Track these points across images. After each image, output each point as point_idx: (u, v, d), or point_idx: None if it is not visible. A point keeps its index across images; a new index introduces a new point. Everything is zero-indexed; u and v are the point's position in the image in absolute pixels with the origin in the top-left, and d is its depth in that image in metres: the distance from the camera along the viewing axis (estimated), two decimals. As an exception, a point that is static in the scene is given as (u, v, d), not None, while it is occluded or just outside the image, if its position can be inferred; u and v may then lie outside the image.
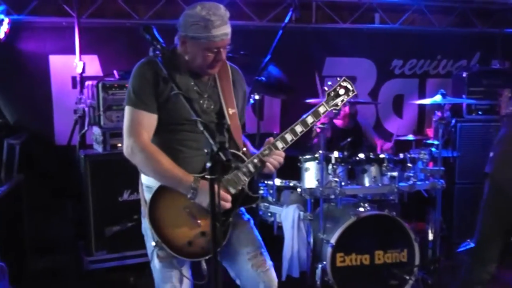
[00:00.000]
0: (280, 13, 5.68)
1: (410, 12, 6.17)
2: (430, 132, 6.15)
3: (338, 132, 5.15)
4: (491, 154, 3.93)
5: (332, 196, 4.31)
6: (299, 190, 4.42)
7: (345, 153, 4.40)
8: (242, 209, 2.93)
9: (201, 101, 2.77)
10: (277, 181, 4.57)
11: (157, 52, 2.58)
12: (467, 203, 5.52)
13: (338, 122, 5.30)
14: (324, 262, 4.24)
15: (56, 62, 5.32)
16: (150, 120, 2.69)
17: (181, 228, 2.67)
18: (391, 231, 4.37)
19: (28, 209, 4.99)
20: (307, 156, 4.40)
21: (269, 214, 4.60)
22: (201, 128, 2.23)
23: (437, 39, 6.29)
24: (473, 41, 6.45)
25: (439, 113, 5.47)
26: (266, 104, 5.82)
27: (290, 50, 5.62)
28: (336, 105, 2.87)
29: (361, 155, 4.45)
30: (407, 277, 4.34)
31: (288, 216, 4.36)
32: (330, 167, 4.31)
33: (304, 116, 2.82)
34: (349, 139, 4.57)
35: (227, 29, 2.64)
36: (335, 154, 4.33)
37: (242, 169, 2.73)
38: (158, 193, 2.69)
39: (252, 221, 2.97)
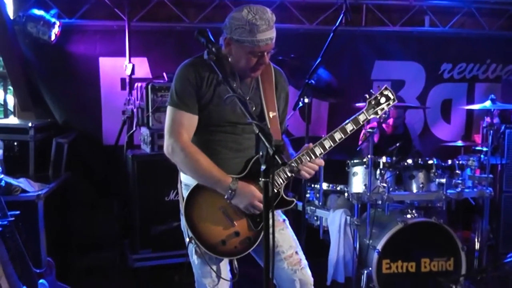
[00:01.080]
0: (330, 16, 5.72)
1: (460, 15, 6.11)
2: (478, 138, 6.08)
3: (385, 137, 5.13)
4: None
5: (379, 202, 4.29)
6: (346, 194, 4.43)
7: (393, 158, 4.39)
8: (278, 210, 2.98)
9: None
10: (324, 185, 4.59)
11: (211, 55, 2.64)
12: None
13: (386, 126, 5.28)
14: (370, 268, 4.24)
15: (106, 64, 5.46)
16: (190, 121, 2.76)
17: (215, 227, 2.75)
18: (438, 239, 4.34)
19: (74, 206, 5.14)
20: (355, 161, 4.41)
21: (315, 218, 4.61)
22: (256, 131, 2.26)
23: (487, 42, 6.22)
24: (525, 45, 6.34)
25: (488, 119, 5.41)
26: (314, 107, 5.79)
27: (339, 53, 5.66)
28: (376, 113, 2.88)
29: (409, 161, 4.44)
30: (453, 287, 4.30)
31: (334, 221, 4.37)
32: (378, 172, 4.31)
33: (344, 123, 2.84)
34: (398, 144, 4.55)
35: (272, 34, 2.67)
36: (383, 159, 4.33)
37: (279, 173, 2.77)
38: (195, 191, 2.78)
39: (287, 221, 3.01)
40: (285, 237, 2.94)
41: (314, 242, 4.54)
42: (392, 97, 2.87)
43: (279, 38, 5.26)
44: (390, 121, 5.23)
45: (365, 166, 4.35)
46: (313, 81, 4.23)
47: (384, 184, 4.26)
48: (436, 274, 4.33)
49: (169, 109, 2.81)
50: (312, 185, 4.66)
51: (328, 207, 4.60)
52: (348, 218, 4.35)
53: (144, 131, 5.03)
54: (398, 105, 5.09)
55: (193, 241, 2.76)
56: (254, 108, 2.83)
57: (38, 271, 3.53)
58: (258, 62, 2.70)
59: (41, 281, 3.33)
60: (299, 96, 4.10)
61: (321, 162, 2.82)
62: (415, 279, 4.30)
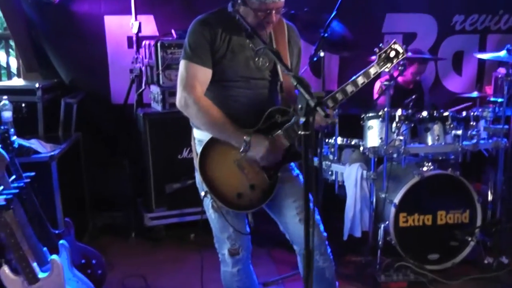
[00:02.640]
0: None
1: (473, -37, 5.97)
2: (489, 89, 6.01)
3: (400, 90, 5.07)
4: None
5: (395, 155, 4.27)
6: (361, 148, 4.40)
7: (409, 111, 4.34)
8: (292, 164, 3.00)
9: (256, 59, 2.82)
10: (339, 140, 4.55)
11: (237, 7, 2.66)
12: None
13: (400, 79, 5.22)
14: (387, 222, 4.25)
15: (112, 22, 5.35)
16: (204, 75, 2.77)
17: (230, 181, 2.78)
18: (454, 192, 4.35)
19: (86, 166, 5.13)
20: (371, 114, 4.35)
21: (330, 172, 4.59)
22: (294, 83, 2.21)
23: (500, -8, 6.09)
24: (538, -6, 6.21)
25: (501, 70, 5.35)
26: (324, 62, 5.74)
27: (350, 6, 5.48)
28: (387, 67, 2.88)
29: (425, 113, 4.39)
30: (468, 239, 4.33)
31: (351, 175, 4.35)
32: (393, 125, 4.26)
33: (355, 76, 2.83)
34: (413, 96, 4.50)
35: None
36: (399, 112, 4.28)
37: (293, 125, 2.75)
38: (209, 146, 2.79)
39: (301, 176, 3.00)
40: (297, 190, 2.93)
41: (330, 197, 4.54)
42: (401, 51, 2.87)
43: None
44: (408, 73, 5.16)
45: (380, 119, 4.29)
46: (327, 35, 4.17)
47: (401, 137, 4.22)
48: (452, 226, 4.34)
49: (182, 63, 2.80)
50: (327, 140, 4.62)
51: (343, 161, 4.58)
52: (365, 172, 4.33)
53: (155, 89, 4.97)
54: (419, 57, 5.09)
55: (208, 195, 2.79)
56: (267, 64, 2.84)
57: (56, 231, 3.52)
58: (265, 20, 2.70)
59: (61, 241, 3.32)
60: (315, 50, 4.04)
61: (331, 114, 2.79)
62: (431, 232, 4.31)
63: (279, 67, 2.85)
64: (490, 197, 4.81)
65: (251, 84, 2.83)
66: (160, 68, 4.70)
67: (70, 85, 5.38)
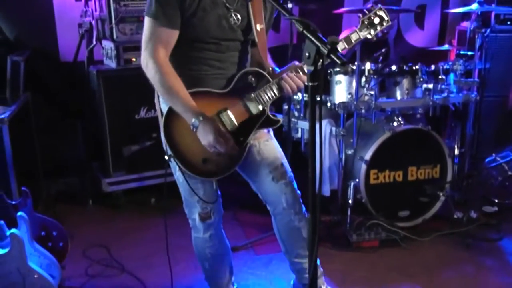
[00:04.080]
0: None
1: None
2: (454, 42, 5.95)
3: (367, 44, 4.93)
4: None
5: (364, 111, 4.15)
6: (329, 104, 4.26)
7: (379, 64, 4.22)
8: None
9: (229, 16, 2.63)
10: (305, 96, 4.39)
11: None
12: (493, 117, 5.43)
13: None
14: (357, 180, 4.16)
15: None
16: (170, 36, 2.56)
17: (196, 145, 2.57)
18: (425, 147, 4.29)
19: (36, 129, 4.84)
20: (338, 69, 4.21)
21: (296, 130, 4.45)
22: (300, 29, 1.99)
23: None
24: None
25: (465, 24, 5.28)
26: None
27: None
28: (370, 33, 2.75)
29: (394, 67, 4.28)
30: (440, 194, 4.30)
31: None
32: (363, 79, 4.14)
33: (338, 39, 2.66)
34: (383, 50, 4.38)
35: None
36: (368, 65, 4.16)
37: (265, 90, 2.64)
38: None
39: (272, 132, 2.90)
40: (270, 147, 2.84)
41: (296, 155, 4.40)
42: (386, 18, 2.74)
43: None
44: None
45: (349, 74, 4.17)
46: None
47: (371, 92, 4.10)
48: (422, 182, 4.30)
49: (147, 20, 2.57)
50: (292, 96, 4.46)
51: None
52: (333, 128, 4.21)
53: (107, 44, 4.69)
54: (393, 9, 4.93)
55: (172, 160, 2.62)
56: (240, 21, 2.65)
57: (13, 202, 3.28)
58: None
59: (19, 213, 3.09)
60: (283, 1, 3.86)
61: (305, 79, 2.65)
62: (402, 188, 4.26)
63: (252, 23, 2.66)
64: (456, 151, 4.78)
65: (222, 47, 2.65)
66: (113, 21, 4.41)
67: (15, 42, 5.00)
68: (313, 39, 1.87)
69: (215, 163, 2.66)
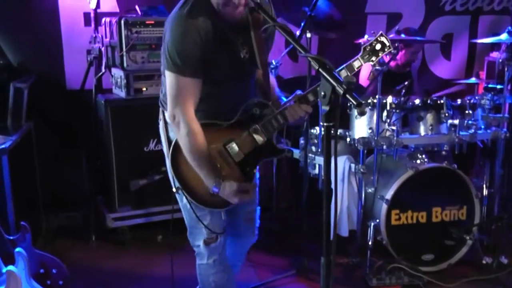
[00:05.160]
0: None
1: None
2: (482, 75, 6.02)
3: (390, 76, 5.01)
4: None
5: (385, 147, 4.19)
6: (348, 139, 4.33)
7: (401, 98, 4.29)
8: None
9: (240, 52, 2.79)
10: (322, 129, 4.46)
11: None
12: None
13: (392, 64, 5.17)
14: (377, 220, 4.20)
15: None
16: (197, 86, 2.72)
17: None
18: (450, 186, 4.32)
19: (39, 160, 4.94)
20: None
21: (313, 166, 4.50)
22: (316, 67, 2.09)
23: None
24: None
25: (495, 54, 5.34)
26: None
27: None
28: (371, 60, 2.86)
29: (417, 101, 4.34)
30: (466, 237, 4.31)
31: (337, 168, 4.26)
32: (384, 114, 4.21)
33: (338, 69, 2.78)
34: (406, 83, 4.44)
35: None
36: (390, 99, 4.22)
37: (270, 120, 2.80)
38: None
39: (258, 175, 3.07)
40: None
41: (313, 193, 4.45)
42: (387, 44, 2.84)
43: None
44: (401, 57, 5.12)
45: (370, 107, 4.24)
46: (313, 13, 4.10)
47: (393, 127, 4.16)
48: (447, 224, 4.32)
49: (172, 76, 2.69)
50: (309, 130, 4.54)
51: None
52: (353, 165, 4.26)
53: (117, 72, 4.81)
54: (417, 40, 5.06)
55: (180, 192, 2.80)
56: (247, 54, 2.80)
57: (11, 237, 3.34)
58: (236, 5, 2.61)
59: (17, 249, 3.16)
60: (301, 31, 3.97)
61: (309, 109, 2.80)
62: (426, 230, 4.29)
63: (256, 54, 2.79)
64: (485, 192, 4.79)
65: (232, 81, 2.83)
66: (124, 49, 4.53)
67: (19, 68, 5.14)
68: (329, 78, 1.97)
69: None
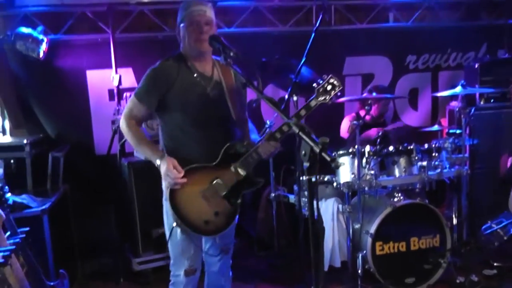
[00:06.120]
0: (301, 18, 5.69)
1: (421, 9, 6.08)
2: (444, 122, 6.08)
3: (366, 127, 5.09)
4: None
5: (367, 188, 4.25)
6: (335, 184, 4.36)
7: (377, 146, 4.35)
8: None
9: (207, 93, 2.94)
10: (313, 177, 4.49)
11: (229, 59, 2.73)
12: (485, 187, 5.48)
13: (367, 117, 5.24)
14: (364, 251, 4.20)
15: (93, 76, 5.27)
16: (139, 110, 2.98)
17: (198, 210, 2.91)
18: (424, 218, 4.34)
19: (75, 216, 4.96)
20: (341, 152, 4.35)
21: (306, 208, 4.52)
22: (296, 131, 2.18)
23: (447, 33, 6.18)
24: (480, 33, 6.35)
25: (454, 103, 5.42)
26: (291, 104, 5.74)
27: (312, 52, 5.57)
28: (325, 99, 2.92)
29: (391, 148, 4.40)
30: (441, 261, 4.31)
31: (327, 209, 4.32)
32: (364, 160, 4.26)
33: (298, 110, 2.92)
34: (380, 133, 4.51)
35: (204, 8, 2.91)
36: (368, 148, 4.28)
37: (247, 157, 2.91)
38: None
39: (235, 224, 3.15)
40: (229, 231, 3.10)
41: (308, 231, 4.45)
42: (337, 84, 2.93)
43: (258, 41, 5.19)
44: (373, 110, 5.20)
45: (351, 156, 4.29)
46: (297, 79, 4.18)
47: (372, 171, 4.21)
48: (424, 251, 4.33)
49: (132, 96, 3.02)
50: (301, 178, 4.57)
51: (318, 197, 4.51)
52: (340, 206, 4.29)
53: (137, 139, 4.86)
54: (387, 97, 5.20)
55: (179, 226, 2.91)
56: (218, 99, 2.96)
57: (51, 283, 3.36)
58: (198, 32, 2.88)
59: (57, 294, 3.17)
60: (289, 95, 4.04)
61: (277, 145, 2.90)
62: (406, 257, 4.29)
63: (228, 99, 2.96)
64: (454, 221, 4.80)
65: (207, 122, 2.95)
66: (142, 118, 4.60)
67: (56, 139, 5.24)
68: (307, 140, 2.07)
69: (215, 223, 2.94)
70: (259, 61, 4.69)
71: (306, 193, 4.42)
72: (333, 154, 4.36)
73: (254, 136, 3.17)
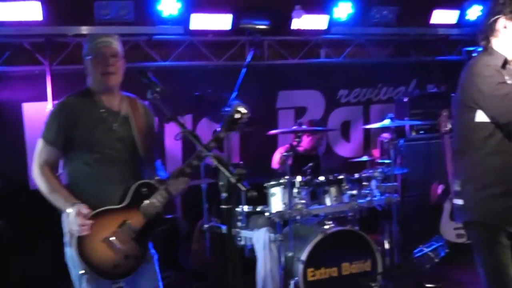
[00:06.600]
0: (235, 53, 5.84)
1: (352, 46, 6.35)
2: (376, 152, 6.31)
3: (299, 158, 5.23)
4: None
5: (299, 217, 4.35)
6: (267, 214, 4.45)
7: (308, 177, 4.48)
8: (150, 244, 2.96)
9: (114, 129, 2.84)
10: (245, 208, 4.58)
11: (155, 94, 2.69)
12: (417, 213, 5.72)
13: (301, 149, 5.40)
14: (296, 278, 4.26)
15: (29, 109, 5.20)
16: (49, 153, 2.81)
17: (107, 254, 2.72)
18: (355, 244, 4.46)
19: (10, 253, 4.83)
20: (273, 182, 4.44)
21: (239, 238, 4.58)
22: (215, 162, 2.26)
23: (377, 69, 6.49)
24: (410, 69, 6.70)
25: (385, 135, 5.66)
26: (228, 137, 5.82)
27: (245, 86, 5.70)
28: (233, 128, 2.88)
29: (322, 178, 4.54)
30: (372, 285, 4.42)
31: (259, 239, 4.37)
32: (295, 190, 4.37)
33: (207, 143, 2.81)
34: (311, 164, 4.66)
35: (110, 39, 2.82)
36: (299, 178, 4.40)
37: (156, 197, 2.79)
38: None
39: (156, 257, 3.00)
40: (152, 272, 2.95)
41: (241, 261, 4.51)
42: (244, 111, 2.85)
43: (192, 74, 5.26)
44: (306, 143, 5.36)
45: (282, 186, 4.39)
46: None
47: (303, 201, 4.33)
48: (356, 275, 4.43)
49: (39, 139, 2.86)
50: (235, 209, 4.63)
51: (251, 227, 4.60)
52: (272, 235, 4.36)
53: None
54: (319, 130, 5.40)
55: (86, 274, 2.70)
56: (125, 136, 2.87)
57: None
58: (105, 65, 2.77)
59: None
60: (221, 128, 4.11)
61: (187, 181, 2.84)
62: (338, 282, 4.38)
63: (136, 138, 2.87)
64: (387, 246, 4.96)
65: (113, 160, 2.83)
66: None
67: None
68: (225, 171, 2.14)
69: (124, 266, 2.76)
70: (193, 95, 4.80)
71: (239, 223, 4.53)
72: (265, 185, 4.46)
73: (162, 173, 3.02)
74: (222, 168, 2.23)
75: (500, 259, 2.75)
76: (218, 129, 2.85)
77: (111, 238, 2.73)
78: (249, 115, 2.87)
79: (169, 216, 2.93)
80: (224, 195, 2.17)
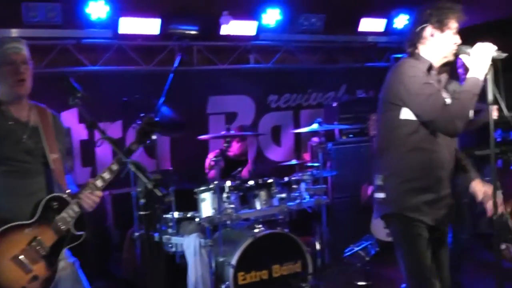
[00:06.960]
0: (164, 58, 5.78)
1: (281, 52, 6.41)
2: (307, 156, 6.40)
3: (230, 162, 5.23)
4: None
5: (229, 222, 4.35)
6: (197, 219, 4.42)
7: (237, 181, 4.48)
8: (68, 252, 2.81)
9: (23, 141, 2.69)
10: (176, 214, 4.53)
11: (77, 100, 2.64)
12: (345, 214, 5.84)
13: (231, 154, 5.39)
14: (227, 282, 4.24)
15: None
16: None
17: (14, 275, 2.54)
18: (285, 246, 4.48)
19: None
20: (202, 188, 4.42)
21: (170, 245, 4.51)
22: (133, 169, 2.19)
23: (307, 75, 6.59)
24: (339, 75, 6.82)
25: (315, 139, 5.75)
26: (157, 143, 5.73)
27: (175, 92, 5.64)
28: (145, 141, 2.82)
29: (251, 182, 4.56)
30: (303, 285, 4.47)
31: (189, 245, 4.32)
32: (224, 195, 4.36)
33: (118, 156, 2.72)
34: (239, 169, 4.67)
35: (19, 45, 2.67)
36: (228, 183, 4.40)
37: (67, 211, 2.67)
38: None
39: (77, 263, 2.85)
40: (75, 282, 2.80)
41: (173, 267, 4.48)
42: (155, 123, 2.86)
43: (122, 79, 5.16)
44: (235, 149, 5.36)
45: (212, 191, 4.38)
46: (157, 119, 4.20)
47: (232, 205, 4.32)
48: (286, 277, 4.46)
49: None
50: (163, 216, 4.57)
51: (182, 233, 4.54)
52: (202, 240, 4.33)
53: None
54: (245, 134, 5.40)
55: None
56: (34, 148, 2.72)
57: None
58: (15, 73, 2.62)
59: None
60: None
61: (100, 194, 2.72)
62: (269, 285, 4.39)
63: (47, 150, 2.73)
64: (318, 247, 5.02)
65: (22, 173, 2.68)
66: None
67: None
68: (142, 177, 2.10)
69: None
70: (120, 100, 4.70)
71: (169, 230, 4.47)
72: (195, 191, 4.42)
73: (73, 187, 2.85)
74: (139, 174, 2.20)
75: (420, 251, 2.86)
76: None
77: (20, 257, 2.55)
78: (159, 127, 2.82)
79: (81, 233, 2.74)
80: (142, 201, 2.12)
